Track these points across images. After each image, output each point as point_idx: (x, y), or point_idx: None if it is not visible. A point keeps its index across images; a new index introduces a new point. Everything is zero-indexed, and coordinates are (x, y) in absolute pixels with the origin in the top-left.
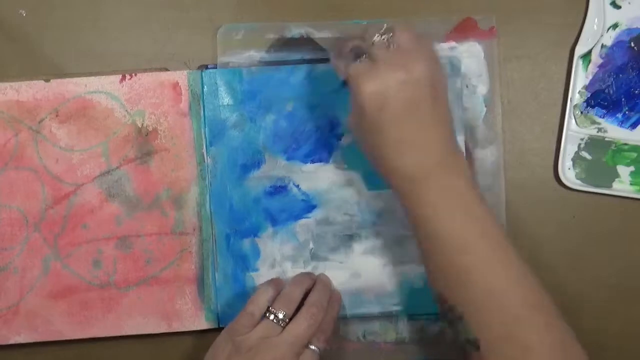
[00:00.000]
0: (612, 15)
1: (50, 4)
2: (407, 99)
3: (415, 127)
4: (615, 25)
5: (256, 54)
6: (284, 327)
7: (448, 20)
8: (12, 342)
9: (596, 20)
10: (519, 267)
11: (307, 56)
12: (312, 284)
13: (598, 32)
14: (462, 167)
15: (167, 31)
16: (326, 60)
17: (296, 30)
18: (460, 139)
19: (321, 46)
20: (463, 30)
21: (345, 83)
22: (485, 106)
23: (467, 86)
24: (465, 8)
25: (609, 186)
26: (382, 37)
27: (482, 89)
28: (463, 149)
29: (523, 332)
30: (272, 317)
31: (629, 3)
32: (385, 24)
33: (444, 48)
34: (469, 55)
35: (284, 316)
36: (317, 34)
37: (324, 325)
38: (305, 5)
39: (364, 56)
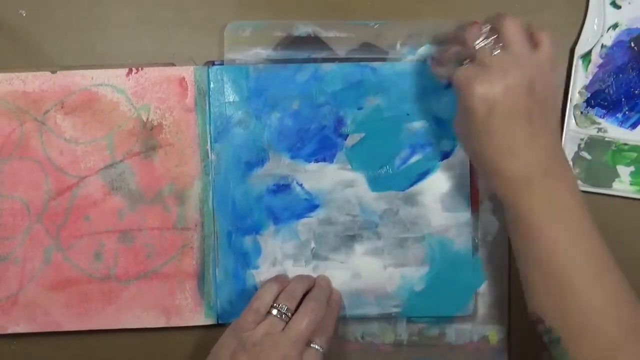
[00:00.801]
0: (612, 15)
1: (50, 4)
2: (518, 104)
3: (525, 133)
4: (615, 25)
5: (263, 52)
6: (287, 323)
7: (456, 24)
8: (10, 331)
9: (596, 20)
10: (622, 289)
11: (314, 55)
12: (312, 283)
13: (598, 32)
14: (571, 178)
15: (167, 31)
16: (332, 59)
17: (303, 29)
18: None
19: (328, 45)
20: None
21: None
22: None
23: None
24: (466, 7)
25: (609, 186)
26: (488, 41)
27: None
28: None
29: (623, 356)
30: (275, 312)
31: (629, 3)
32: (489, 26)
33: None
34: None
35: (286, 310)
36: (324, 33)
37: (325, 324)
38: (306, 5)
39: (467, 60)
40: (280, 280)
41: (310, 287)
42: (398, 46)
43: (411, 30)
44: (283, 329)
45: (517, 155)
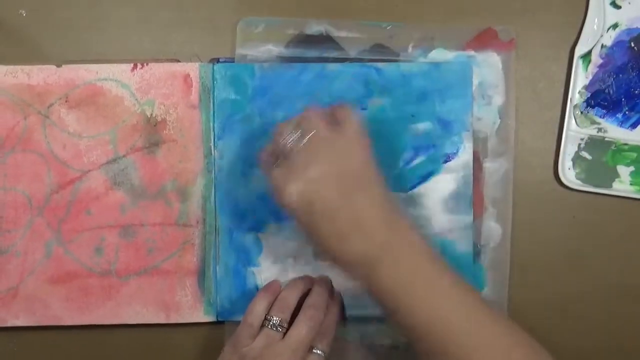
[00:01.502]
0: (612, 15)
1: (50, 4)
2: (333, 189)
3: (350, 214)
4: (615, 25)
5: (274, 49)
6: (284, 333)
7: (468, 29)
8: (9, 324)
9: (596, 20)
10: (498, 325)
11: (325, 54)
12: (309, 286)
13: (598, 32)
14: (412, 237)
15: (169, 29)
16: (343, 59)
17: (316, 27)
18: (469, 147)
19: (339, 45)
20: (483, 40)
21: None
22: (500, 118)
23: (482, 96)
24: (466, 7)
25: (609, 186)
26: (294, 135)
27: (497, 100)
28: (471, 157)
29: None
30: (269, 325)
31: (629, 3)
32: (294, 121)
33: (462, 55)
34: (487, 66)
35: (280, 322)
36: (336, 33)
37: (325, 327)
38: (306, 4)
39: (279, 161)
40: (272, 289)
41: (307, 289)
42: (410, 49)
43: (424, 33)
44: (283, 338)
45: (353, 236)
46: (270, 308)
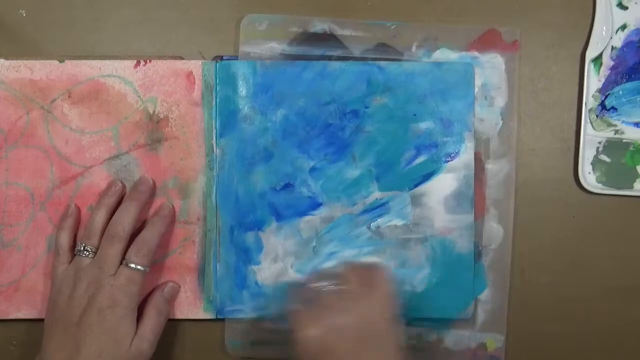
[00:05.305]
0: (620, 17)
1: (50, 4)
2: (349, 343)
3: None
4: (623, 27)
5: (278, 46)
6: (95, 254)
7: (472, 29)
8: (12, 317)
9: (604, 27)
10: None
11: (328, 52)
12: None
13: (607, 36)
14: None
15: (169, 29)
16: (347, 58)
17: (319, 26)
18: (470, 147)
19: (343, 43)
20: (486, 41)
21: None
22: (502, 119)
23: (485, 97)
24: (470, 8)
25: (630, 187)
26: (328, 285)
27: (500, 102)
28: (473, 157)
29: None
30: (79, 252)
31: (636, 3)
32: (330, 272)
33: (466, 56)
34: (490, 67)
35: (85, 247)
36: (340, 31)
37: (141, 241)
38: (311, 2)
39: (307, 303)
40: (72, 215)
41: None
42: (414, 48)
43: (427, 33)
44: (90, 262)
45: None
46: (78, 235)
